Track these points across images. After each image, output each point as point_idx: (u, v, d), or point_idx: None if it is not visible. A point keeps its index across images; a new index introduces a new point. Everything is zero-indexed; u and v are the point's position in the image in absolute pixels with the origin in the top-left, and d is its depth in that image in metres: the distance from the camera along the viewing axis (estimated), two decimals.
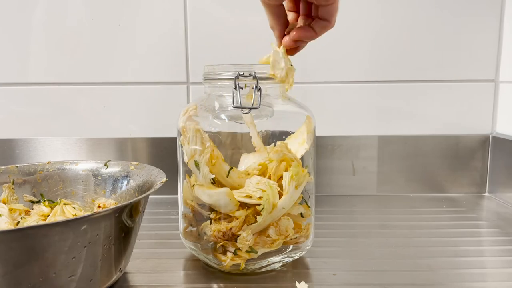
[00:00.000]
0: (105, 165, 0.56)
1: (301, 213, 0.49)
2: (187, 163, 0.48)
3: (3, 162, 0.78)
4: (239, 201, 0.45)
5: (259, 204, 0.44)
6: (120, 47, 0.78)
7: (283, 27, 0.46)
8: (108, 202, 0.54)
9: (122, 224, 0.43)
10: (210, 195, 0.45)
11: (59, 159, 0.77)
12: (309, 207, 0.50)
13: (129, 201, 0.41)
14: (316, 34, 0.46)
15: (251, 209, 0.45)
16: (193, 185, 0.47)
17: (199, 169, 0.46)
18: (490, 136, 0.79)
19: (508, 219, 0.67)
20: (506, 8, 0.76)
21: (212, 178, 0.46)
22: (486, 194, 0.79)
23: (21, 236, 0.35)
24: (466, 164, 0.79)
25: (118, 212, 0.41)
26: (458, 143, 0.79)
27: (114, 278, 0.45)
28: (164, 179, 0.47)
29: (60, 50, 0.78)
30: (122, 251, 0.45)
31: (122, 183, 0.54)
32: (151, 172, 0.52)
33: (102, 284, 0.43)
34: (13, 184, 0.54)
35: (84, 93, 0.79)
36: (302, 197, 0.49)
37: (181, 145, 0.49)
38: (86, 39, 0.77)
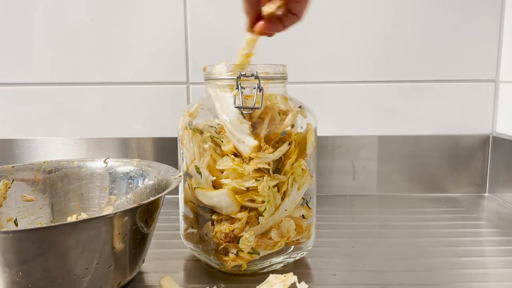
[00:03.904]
0: (105, 162, 0.56)
1: (303, 215, 0.49)
2: (187, 169, 0.48)
3: (3, 162, 0.78)
4: (241, 204, 0.45)
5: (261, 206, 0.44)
6: (120, 47, 0.78)
7: (257, 13, 0.47)
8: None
9: (149, 216, 0.44)
10: (211, 196, 0.45)
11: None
12: (310, 208, 0.50)
13: (161, 194, 0.44)
14: (283, 27, 0.46)
15: (254, 211, 0.45)
16: (194, 188, 0.47)
17: (200, 174, 0.46)
18: (490, 136, 0.79)
19: (508, 219, 0.67)
20: (506, 8, 0.76)
21: (212, 181, 0.46)
22: (486, 194, 0.79)
23: (73, 230, 0.37)
24: (466, 164, 0.79)
25: (150, 204, 0.43)
26: (458, 143, 0.79)
27: (139, 268, 0.47)
28: (181, 173, 0.49)
29: (60, 50, 0.78)
30: (147, 242, 0.46)
31: (124, 180, 0.55)
32: (159, 167, 0.53)
33: (131, 274, 0.45)
34: (12, 183, 0.53)
35: (84, 93, 0.79)
36: (303, 199, 0.49)
37: (182, 151, 0.49)
38: (86, 39, 0.77)
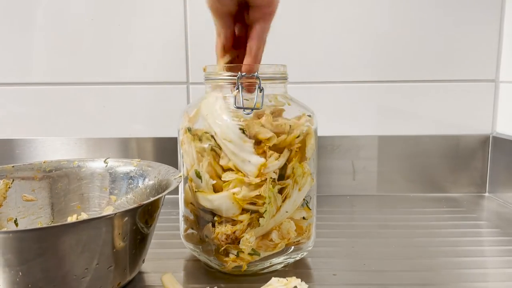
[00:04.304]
0: (105, 162, 0.56)
1: (303, 217, 0.49)
2: (188, 173, 0.48)
3: (3, 162, 0.78)
4: (242, 207, 0.45)
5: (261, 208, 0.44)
6: (120, 47, 0.78)
7: (230, 37, 0.48)
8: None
9: (149, 216, 0.44)
10: (212, 200, 0.45)
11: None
12: (310, 209, 0.50)
13: (161, 194, 0.43)
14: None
15: (256, 213, 0.45)
16: (195, 192, 0.47)
17: (200, 178, 0.46)
18: (490, 136, 0.79)
19: (508, 219, 0.67)
20: (506, 9, 0.76)
21: (213, 184, 0.46)
22: (486, 194, 0.79)
23: (73, 230, 0.37)
24: (466, 164, 0.79)
25: (151, 204, 0.43)
26: (458, 143, 0.79)
27: (139, 268, 0.46)
28: (181, 174, 0.48)
29: (60, 50, 0.78)
30: (147, 242, 0.46)
31: (125, 180, 0.55)
32: (159, 168, 0.53)
33: (132, 274, 0.45)
34: (12, 183, 0.53)
35: (84, 93, 0.79)
36: (304, 200, 0.49)
37: (182, 152, 0.49)
38: (86, 39, 0.77)
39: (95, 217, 0.39)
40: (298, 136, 0.46)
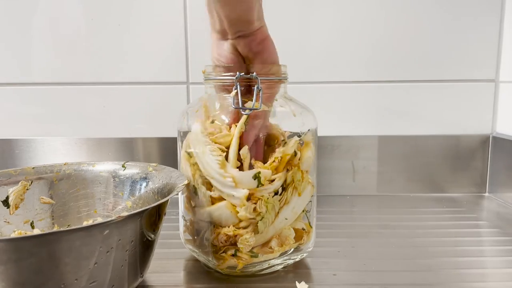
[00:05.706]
0: (123, 166, 0.55)
1: (303, 228, 0.49)
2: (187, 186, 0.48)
3: (3, 162, 0.78)
4: (240, 218, 0.45)
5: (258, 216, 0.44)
6: (120, 47, 0.78)
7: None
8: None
9: (145, 229, 0.41)
10: (211, 212, 0.45)
11: (59, 159, 0.77)
12: (311, 227, 0.50)
13: (151, 205, 0.40)
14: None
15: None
16: (193, 207, 0.47)
17: (197, 194, 0.46)
18: (490, 136, 0.79)
19: (508, 219, 0.67)
20: (506, 8, 0.76)
21: (210, 196, 0.46)
22: (486, 194, 0.79)
23: (42, 242, 0.34)
24: (466, 164, 0.79)
25: (141, 216, 0.40)
26: (458, 143, 0.79)
27: (136, 283, 0.44)
28: (185, 182, 0.46)
29: (60, 50, 0.78)
30: (144, 256, 0.44)
31: (140, 185, 0.53)
32: (171, 174, 0.50)
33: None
34: (30, 184, 0.52)
35: (84, 93, 0.79)
36: (304, 211, 0.49)
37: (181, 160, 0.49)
38: (86, 39, 0.77)
39: (66, 229, 0.35)
40: (295, 154, 0.46)
